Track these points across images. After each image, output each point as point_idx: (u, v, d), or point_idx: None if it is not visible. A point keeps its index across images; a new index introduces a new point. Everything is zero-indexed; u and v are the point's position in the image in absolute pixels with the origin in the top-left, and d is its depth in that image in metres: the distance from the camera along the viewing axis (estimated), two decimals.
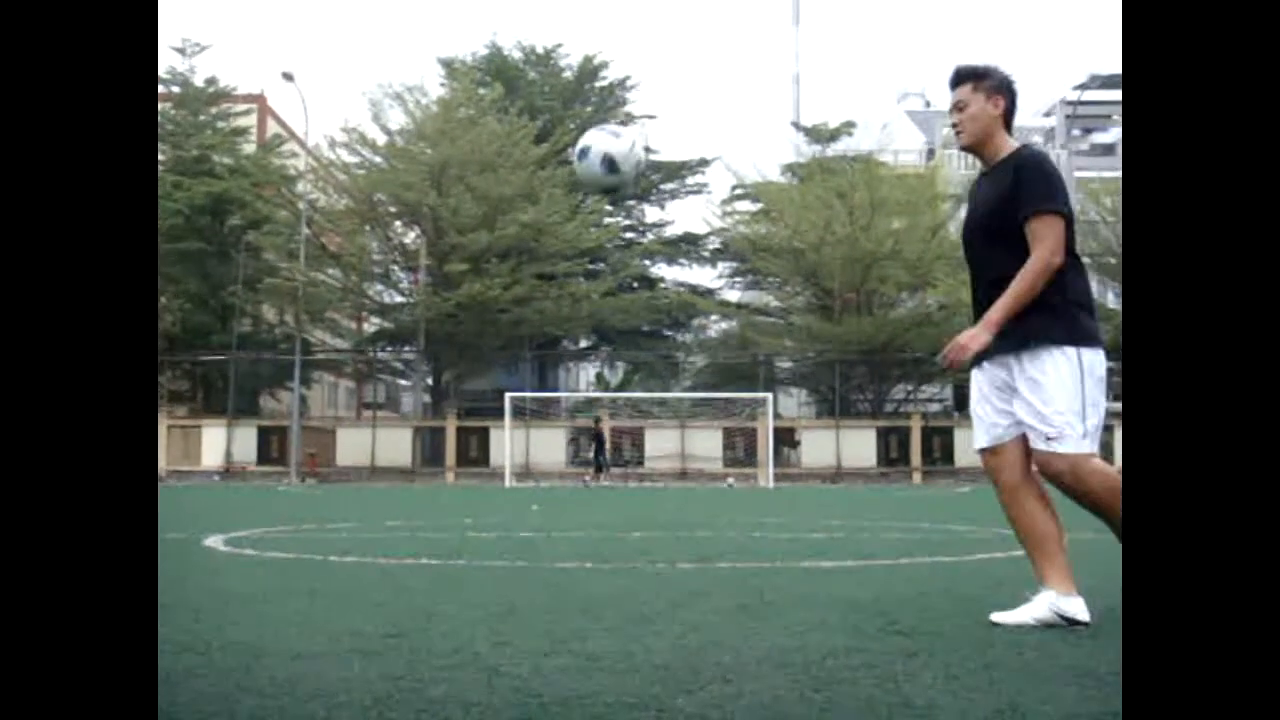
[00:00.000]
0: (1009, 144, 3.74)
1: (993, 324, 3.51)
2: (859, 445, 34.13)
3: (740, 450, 33.87)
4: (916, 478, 32.84)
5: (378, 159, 35.89)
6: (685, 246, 44.40)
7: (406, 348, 39.80)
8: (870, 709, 2.41)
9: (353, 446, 34.27)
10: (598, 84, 45.57)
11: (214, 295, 36.93)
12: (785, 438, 34.26)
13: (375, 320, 42.22)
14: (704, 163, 45.25)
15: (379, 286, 38.96)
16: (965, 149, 3.82)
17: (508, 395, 30.99)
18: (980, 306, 3.70)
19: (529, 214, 33.81)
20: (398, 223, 37.17)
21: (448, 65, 43.54)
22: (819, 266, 35.58)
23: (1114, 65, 42.03)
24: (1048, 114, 52.59)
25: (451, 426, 34.38)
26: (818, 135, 42.91)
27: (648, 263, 43.21)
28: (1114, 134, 48.99)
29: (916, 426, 34.04)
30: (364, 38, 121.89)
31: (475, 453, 33.92)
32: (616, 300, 37.97)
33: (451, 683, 2.66)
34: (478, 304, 33.20)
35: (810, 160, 41.24)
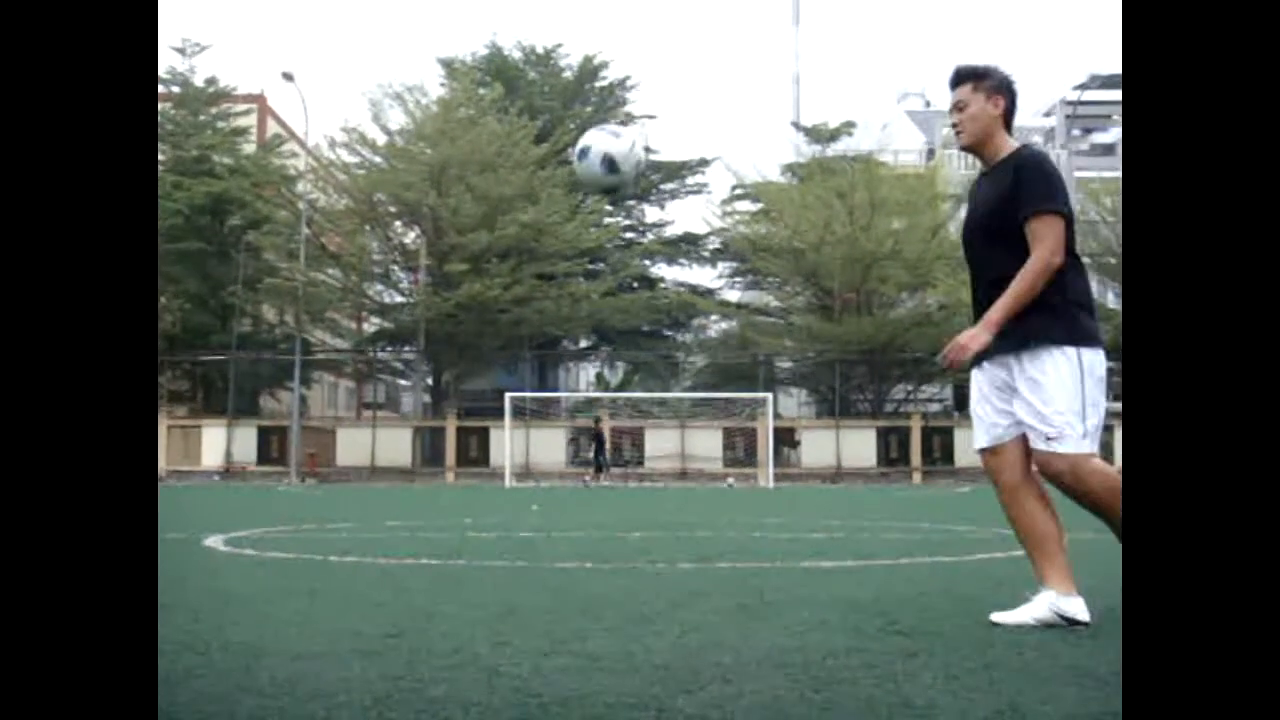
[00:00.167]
0: (1009, 144, 3.73)
1: (993, 324, 3.50)
2: (859, 445, 34.13)
3: (740, 450, 33.87)
4: (916, 478, 32.85)
5: (378, 159, 35.90)
6: (685, 246, 44.41)
7: (406, 348, 39.80)
8: (870, 709, 2.41)
9: (353, 446, 34.27)
10: (598, 84, 45.57)
11: (214, 295, 36.93)
12: (785, 438, 34.26)
13: (375, 320, 42.22)
14: (704, 163, 45.26)
15: (379, 286, 38.96)
16: (965, 149, 3.81)
17: (508, 395, 30.98)
18: (980, 306, 3.70)
19: (529, 214, 33.81)
20: (398, 223, 37.18)
21: (448, 65, 43.55)
22: (819, 266, 35.59)
23: (1114, 65, 42.05)
24: (1048, 114, 52.60)
25: (451, 426, 34.38)
26: (818, 135, 42.91)
27: (648, 263, 43.22)
28: (1114, 134, 49.01)
29: (916, 426, 34.04)
30: (364, 38, 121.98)
31: (475, 453, 33.92)
32: (616, 300, 37.97)
33: (451, 683, 2.66)
34: (478, 304, 33.20)
35: (810, 160, 41.24)
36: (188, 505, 14.11)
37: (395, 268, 38.12)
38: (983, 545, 7.22)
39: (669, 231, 45.43)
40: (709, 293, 44.15)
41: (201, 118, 39.08)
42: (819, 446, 34.27)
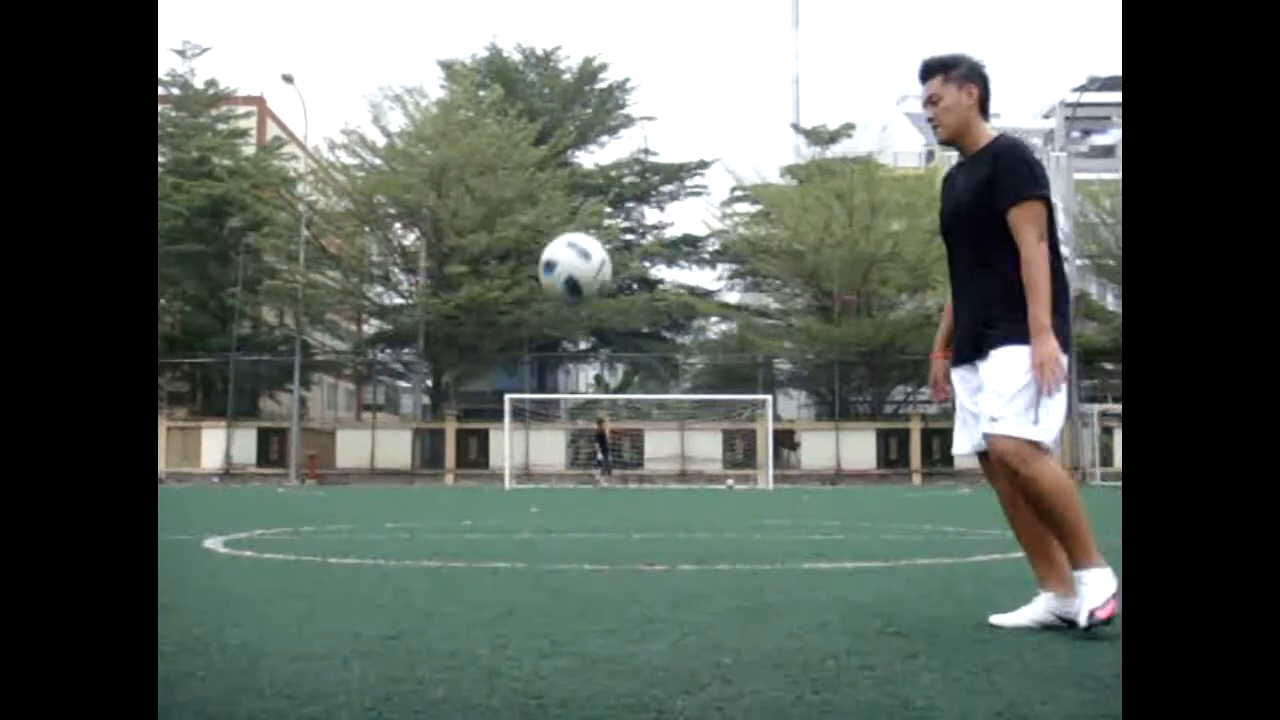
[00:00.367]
0: (987, 133, 3.66)
1: (1046, 328, 3.44)
2: (859, 447, 34.13)
3: (740, 452, 33.87)
4: (916, 479, 32.85)
5: (377, 161, 35.90)
6: (685, 248, 44.43)
7: (406, 349, 39.79)
8: (870, 711, 2.41)
9: (352, 448, 34.26)
10: (597, 86, 45.59)
11: (214, 297, 36.92)
12: (785, 439, 34.25)
13: (375, 322, 42.22)
14: (703, 165, 45.29)
15: (378, 288, 38.95)
16: (944, 143, 3.74)
17: (507, 397, 30.98)
18: (959, 294, 3.69)
19: (528, 216, 33.82)
20: (397, 225, 37.18)
21: (447, 67, 43.56)
22: (818, 268, 35.61)
23: (1113, 67, 42.09)
24: (1047, 116, 52.66)
25: (451, 428, 34.37)
26: (817, 137, 42.94)
27: (647, 264, 43.21)
28: (1113, 136, 49.03)
29: (916, 428, 34.04)
30: (363, 40, 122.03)
31: (475, 454, 33.92)
32: (616, 302, 37.95)
33: (451, 684, 2.66)
34: (477, 306, 33.21)
35: (810, 162, 41.27)
36: (187, 507, 14.11)
37: (395, 269, 38.12)
38: (982, 547, 7.22)
39: (669, 233, 45.48)
40: (708, 294, 44.16)
41: (201, 120, 39.08)
42: (819, 448, 34.27)
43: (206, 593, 4.63)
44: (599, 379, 52.16)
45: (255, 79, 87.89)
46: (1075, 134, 47.31)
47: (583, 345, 44.98)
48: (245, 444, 33.98)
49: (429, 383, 38.16)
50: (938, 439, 33.58)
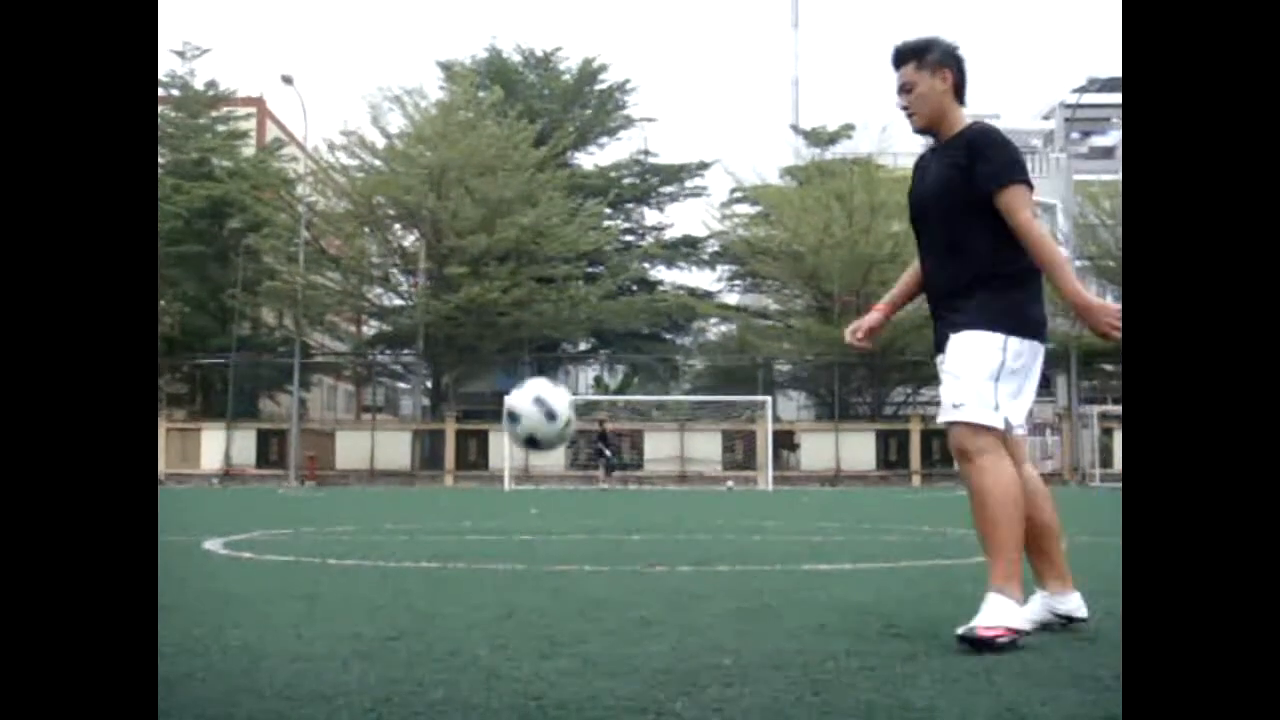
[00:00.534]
0: (962, 119, 3.56)
1: (1084, 295, 3.28)
2: (858, 448, 34.13)
3: (739, 453, 33.87)
4: (916, 480, 32.85)
5: (377, 162, 35.91)
6: (684, 249, 44.43)
7: (406, 351, 39.78)
8: (869, 712, 2.41)
9: (352, 449, 34.25)
10: (597, 87, 45.60)
11: (213, 298, 36.92)
12: (784, 441, 34.25)
13: (374, 323, 42.22)
14: (703, 166, 45.29)
15: (378, 289, 38.96)
16: (920, 131, 3.63)
17: (507, 398, 30.92)
18: (930, 278, 3.62)
19: (528, 217, 33.83)
20: (397, 226, 37.17)
21: (447, 68, 43.57)
22: (818, 269, 35.61)
23: (1113, 68, 42.10)
24: (1047, 117, 52.65)
25: (451, 429, 34.37)
26: (817, 138, 42.95)
27: (647, 266, 43.24)
28: (1113, 137, 49.02)
29: (916, 429, 34.04)
30: (363, 41, 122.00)
31: (474, 456, 33.91)
32: (615, 303, 37.98)
33: (451, 685, 2.66)
34: (477, 307, 33.21)
35: (809, 163, 41.28)
36: (187, 508, 14.10)
37: (394, 271, 38.12)
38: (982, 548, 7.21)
39: (668, 234, 45.48)
40: (708, 296, 44.16)
41: (201, 121, 39.10)
42: (818, 449, 34.26)
43: (206, 594, 4.63)
44: (599, 380, 52.14)
45: (255, 80, 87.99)
46: (1075, 135, 47.31)
47: (582, 346, 44.97)
48: (245, 445, 33.98)
49: (428, 384, 38.16)
50: (938, 440, 33.55)
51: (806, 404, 43.71)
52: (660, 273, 45.08)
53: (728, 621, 3.76)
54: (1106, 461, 32.86)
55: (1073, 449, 34.12)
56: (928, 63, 3.53)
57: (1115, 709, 2.37)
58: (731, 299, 45.44)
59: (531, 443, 3.42)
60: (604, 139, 46.47)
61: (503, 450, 29.86)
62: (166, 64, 39.03)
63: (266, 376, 37.95)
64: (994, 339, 3.36)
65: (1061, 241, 38.07)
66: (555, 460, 33.83)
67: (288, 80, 33.71)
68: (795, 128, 46.60)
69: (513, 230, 33.40)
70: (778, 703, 2.49)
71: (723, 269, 44.47)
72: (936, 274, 3.59)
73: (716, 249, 43.58)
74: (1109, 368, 37.75)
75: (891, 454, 34.19)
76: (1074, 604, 3.55)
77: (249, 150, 40.75)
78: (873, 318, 3.93)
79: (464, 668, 2.89)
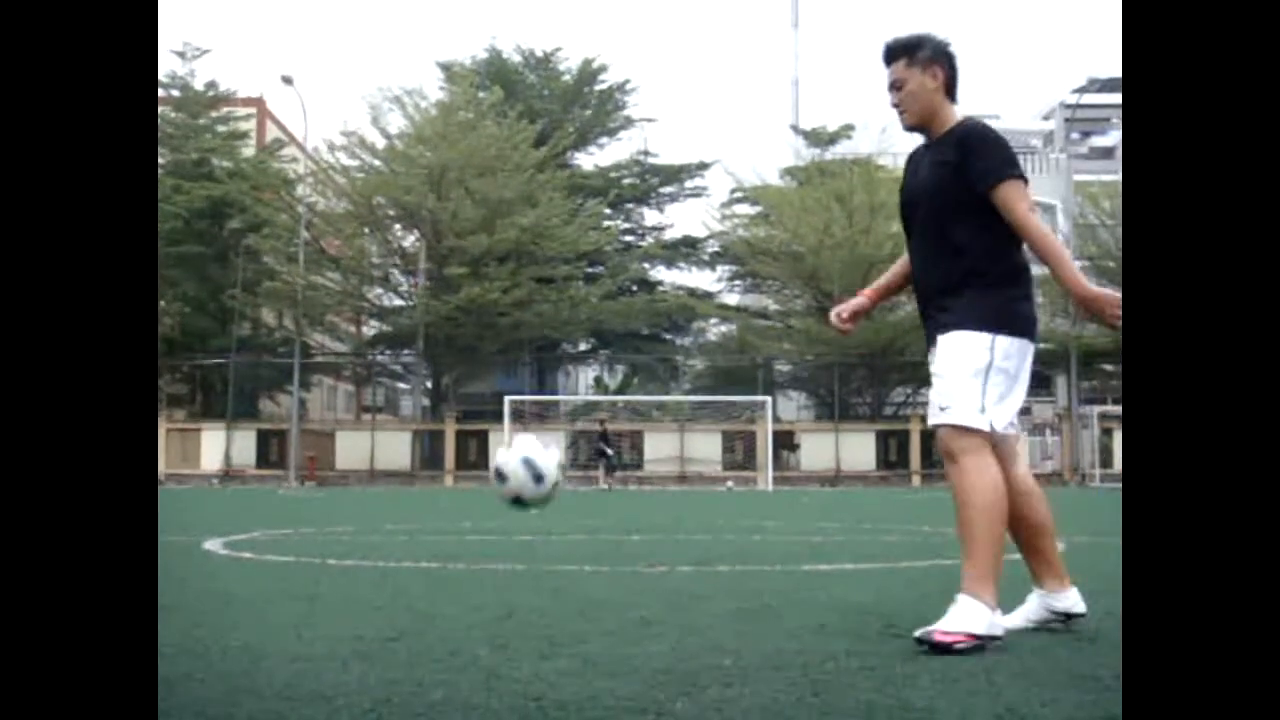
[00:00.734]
0: (954, 116, 3.51)
1: (1087, 287, 3.26)
2: (858, 448, 34.13)
3: (739, 453, 33.88)
4: (916, 481, 32.84)
5: (377, 162, 35.93)
6: (684, 250, 44.46)
7: (406, 351, 39.81)
8: (869, 712, 2.41)
9: (352, 450, 34.26)
10: (597, 87, 45.63)
11: (213, 299, 36.93)
12: (784, 441, 34.26)
13: (374, 323, 42.24)
14: (703, 166, 45.33)
15: (378, 290, 38.99)
16: (911, 129, 3.58)
17: (507, 398, 30.98)
18: (919, 276, 3.58)
19: (528, 217, 33.85)
20: (397, 226, 37.20)
21: (447, 69, 43.59)
22: (818, 270, 35.62)
23: (1113, 68, 42.09)
24: (1047, 117, 52.66)
25: (450, 430, 34.38)
26: (817, 138, 42.98)
27: (647, 266, 43.27)
28: (1113, 137, 49.05)
29: (916, 430, 34.02)
30: (363, 42, 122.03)
31: (474, 456, 33.89)
32: (615, 304, 38.01)
33: (450, 686, 2.66)
34: (477, 307, 33.22)
35: (809, 163, 41.31)
36: (187, 508, 14.10)
37: (394, 271, 38.15)
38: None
39: (668, 235, 45.51)
40: (708, 296, 44.19)
41: (201, 121, 39.11)
42: (818, 450, 34.27)
43: (206, 594, 4.63)
44: (599, 380, 52.16)
45: (255, 80, 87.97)
46: (1075, 135, 47.33)
47: (582, 347, 45.01)
48: (245, 445, 33.99)
49: (428, 384, 38.16)
50: None
51: (806, 404, 43.74)
52: (660, 273, 45.15)
53: (728, 622, 3.76)
54: (1106, 461, 32.85)
55: (1073, 449, 34.12)
56: (918, 60, 3.49)
57: (1115, 709, 2.37)
58: (731, 299, 45.48)
59: (517, 502, 3.41)
60: (604, 139, 46.53)
61: None
62: (167, 64, 39.11)
63: (266, 377, 37.97)
64: (981, 339, 3.33)
65: (1061, 242, 38.07)
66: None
67: (288, 80, 33.73)
68: (795, 128, 46.64)
69: (513, 231, 33.41)
70: (778, 703, 2.49)
71: (723, 269, 44.51)
72: (925, 272, 3.56)
73: (716, 249, 43.61)
74: (1109, 368, 37.75)
75: (891, 454, 34.19)
76: (1072, 600, 3.54)
77: (249, 151, 40.76)
78: (858, 301, 3.87)
79: (464, 668, 2.89)
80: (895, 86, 3.53)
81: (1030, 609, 3.57)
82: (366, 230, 36.66)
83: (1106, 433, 33.50)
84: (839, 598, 4.48)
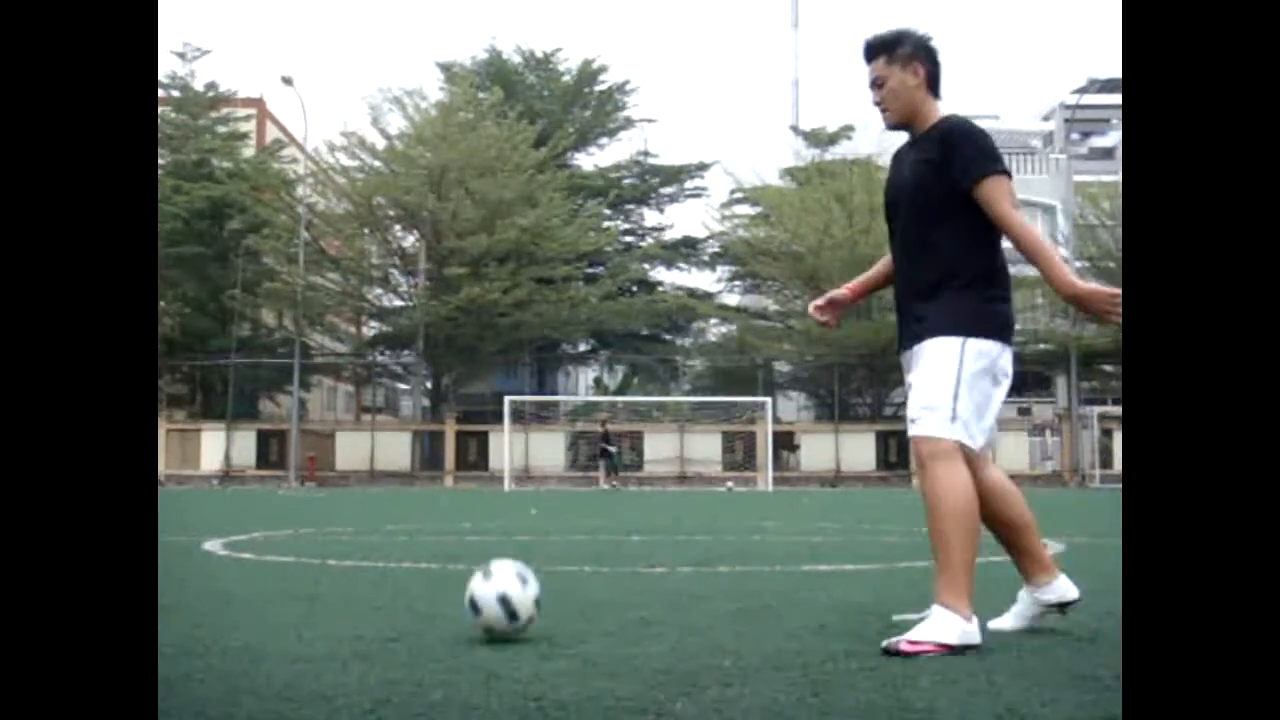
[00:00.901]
0: (937, 112, 3.46)
1: (1073, 281, 3.22)
2: (858, 449, 34.13)
3: (739, 454, 33.87)
4: (916, 481, 32.72)
5: (377, 163, 35.93)
6: (684, 250, 44.46)
7: (405, 351, 39.82)
8: (869, 713, 2.41)
9: (352, 450, 34.26)
10: (597, 88, 45.63)
11: (213, 299, 36.93)
12: (784, 441, 34.25)
13: (374, 324, 42.24)
14: (703, 167, 45.32)
15: (378, 290, 38.99)
16: (894, 127, 3.55)
17: (507, 399, 30.99)
18: (899, 274, 3.55)
19: (528, 218, 33.85)
20: (397, 227, 37.20)
21: (447, 69, 43.62)
22: (818, 270, 35.59)
23: (1113, 68, 42.09)
24: (1046, 118, 52.63)
25: (450, 430, 34.38)
26: (817, 139, 42.96)
27: (647, 266, 43.26)
28: (1113, 138, 49.02)
29: None
30: (363, 42, 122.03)
31: (474, 456, 33.93)
32: (615, 304, 38.01)
33: (450, 686, 2.66)
34: (477, 308, 33.22)
35: (809, 164, 41.27)
36: (187, 509, 14.10)
37: (394, 271, 38.15)
38: (981, 549, 7.21)
39: (668, 235, 45.50)
40: (708, 296, 44.19)
41: (201, 122, 39.10)
42: (818, 450, 34.27)
43: (206, 594, 4.63)
44: (598, 381, 52.17)
45: (255, 81, 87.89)
46: (1074, 136, 47.31)
47: (582, 347, 45.02)
48: (245, 446, 34.00)
49: (428, 385, 38.17)
50: None
51: (806, 405, 43.74)
52: (660, 273, 45.13)
53: (728, 622, 3.76)
54: (1106, 462, 32.85)
55: (1073, 449, 34.12)
56: (898, 56, 3.44)
57: (1115, 709, 2.37)
58: (731, 300, 45.48)
59: (488, 630, 3.39)
60: (604, 140, 46.53)
61: (502, 451, 29.88)
62: (167, 65, 39.10)
63: (266, 377, 37.96)
64: (953, 344, 3.28)
65: (1061, 243, 38.09)
66: (555, 461, 33.88)
67: (288, 81, 33.74)
68: (795, 128, 46.60)
69: (513, 231, 33.42)
70: (778, 703, 2.49)
71: (722, 270, 44.50)
72: (904, 271, 3.53)
73: (716, 250, 43.61)
74: (1109, 368, 37.74)
75: (891, 455, 34.17)
76: (1061, 589, 3.50)
77: (249, 151, 40.76)
78: (838, 293, 3.83)
79: (464, 668, 2.89)
80: (876, 84, 3.49)
81: (1021, 608, 3.57)
82: (366, 231, 36.66)
83: (1106, 433, 33.50)
84: (839, 598, 4.48)
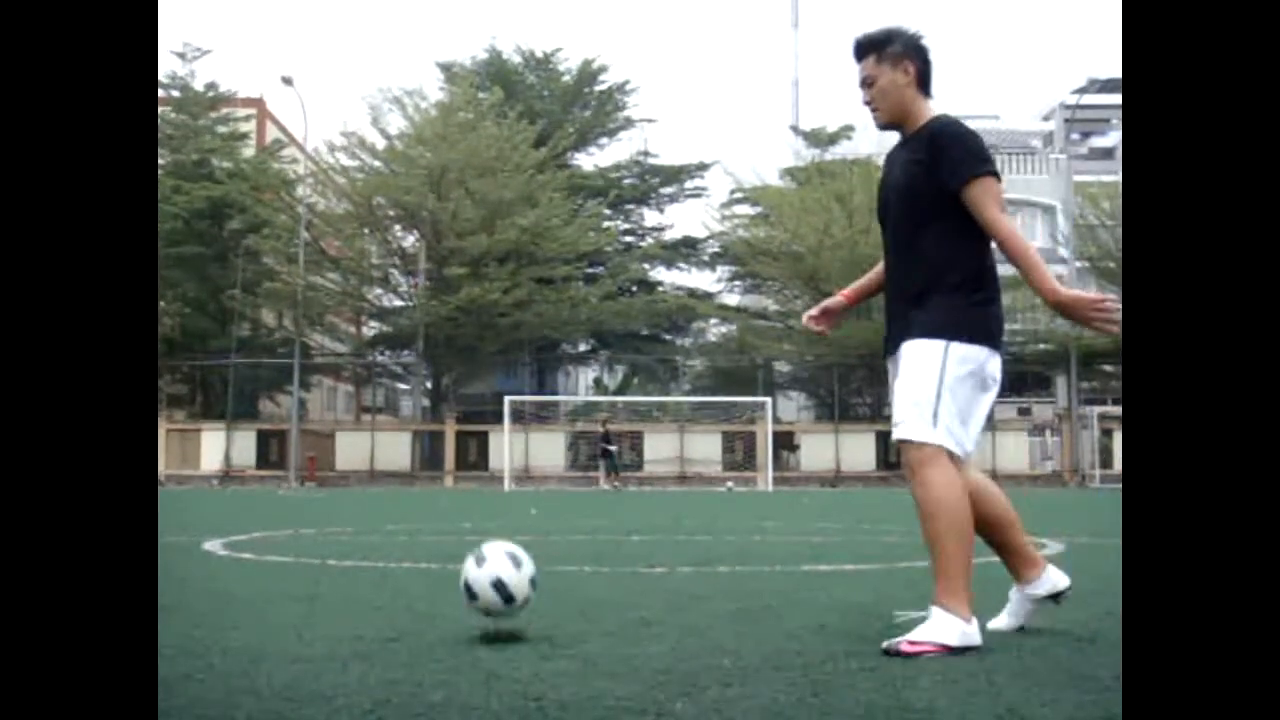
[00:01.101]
0: (928, 112, 3.42)
1: (1058, 289, 3.14)
2: (858, 449, 34.14)
3: (739, 454, 33.88)
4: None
5: (377, 163, 35.95)
6: (684, 250, 44.46)
7: (405, 351, 39.83)
8: (869, 713, 2.41)
9: (352, 450, 34.27)
10: (597, 88, 45.63)
11: (213, 299, 36.94)
12: (784, 441, 34.26)
13: (374, 324, 42.25)
14: (703, 167, 45.32)
15: (378, 290, 39.00)
16: (884, 127, 3.51)
17: (507, 399, 30.99)
18: (889, 276, 3.50)
19: (528, 218, 33.86)
20: (397, 227, 37.20)
21: (447, 69, 43.63)
22: (818, 270, 35.60)
23: (1113, 68, 42.09)
24: (1046, 118, 52.64)
25: (450, 430, 34.39)
26: (817, 139, 42.97)
27: (647, 266, 43.26)
28: (1113, 138, 49.03)
29: None
30: (363, 42, 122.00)
31: (474, 456, 33.93)
32: (615, 304, 38.01)
33: (450, 686, 2.65)
34: (477, 308, 33.23)
35: (809, 164, 41.29)
36: (187, 509, 14.10)
37: (394, 271, 38.15)
38: (981, 549, 7.21)
39: (668, 235, 45.50)
40: (708, 296, 44.19)
41: (201, 122, 39.10)
42: (818, 450, 34.28)
43: (206, 595, 4.63)
44: (598, 381, 52.18)
45: (255, 81, 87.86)
46: (1075, 136, 47.32)
47: (582, 347, 45.03)
48: (245, 446, 34.00)
49: (428, 385, 38.17)
50: None
51: (806, 405, 43.75)
52: (660, 273, 45.14)
53: (728, 622, 3.76)
54: (1106, 462, 32.86)
55: (1073, 449, 34.12)
56: (888, 55, 3.40)
57: (1115, 709, 2.37)
58: (731, 300, 45.48)
59: (486, 612, 3.40)
60: (604, 140, 46.53)
61: (502, 451, 29.89)
62: (167, 65, 39.09)
63: (266, 377, 37.96)
64: (935, 347, 3.25)
65: (1061, 243, 38.09)
66: (555, 461, 33.89)
67: (288, 81, 33.73)
68: (795, 128, 46.61)
69: (512, 231, 33.42)
70: (778, 703, 2.49)
71: (722, 270, 44.51)
72: (893, 273, 3.49)
73: (716, 250, 43.61)
74: (1109, 368, 37.75)
75: (891, 455, 34.09)
76: (1053, 579, 3.50)
77: (249, 151, 40.76)
78: (834, 300, 3.80)
79: (464, 669, 2.89)
80: (866, 83, 3.45)
81: (1015, 606, 3.56)
82: (366, 231, 36.67)
83: (1106, 433, 33.50)
84: (839, 598, 4.48)
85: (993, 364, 3.31)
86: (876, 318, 36.05)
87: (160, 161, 35.48)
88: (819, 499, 20.42)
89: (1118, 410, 32.22)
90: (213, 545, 7.47)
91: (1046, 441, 35.66)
